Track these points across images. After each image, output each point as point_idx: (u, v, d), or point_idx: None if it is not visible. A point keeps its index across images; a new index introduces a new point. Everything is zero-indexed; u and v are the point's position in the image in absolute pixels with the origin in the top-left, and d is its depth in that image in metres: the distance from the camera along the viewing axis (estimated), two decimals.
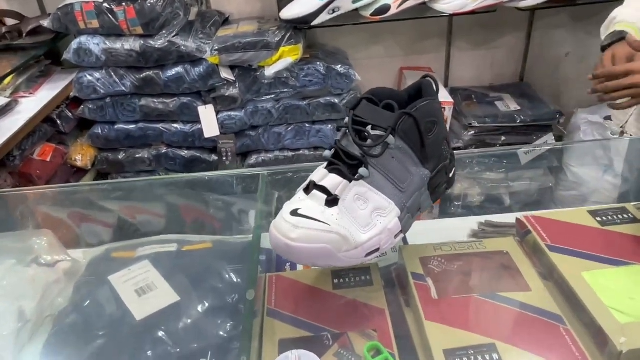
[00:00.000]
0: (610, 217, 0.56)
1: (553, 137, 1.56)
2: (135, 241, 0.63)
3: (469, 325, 0.46)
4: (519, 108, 1.58)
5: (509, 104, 1.61)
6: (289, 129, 1.54)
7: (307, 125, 1.54)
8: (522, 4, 1.33)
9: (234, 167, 1.59)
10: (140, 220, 0.83)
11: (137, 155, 1.58)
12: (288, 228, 0.47)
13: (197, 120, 1.51)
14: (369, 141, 0.51)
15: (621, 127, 1.51)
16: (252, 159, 1.58)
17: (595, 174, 1.59)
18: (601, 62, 0.89)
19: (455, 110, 1.50)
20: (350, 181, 0.51)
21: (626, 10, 0.97)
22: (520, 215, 0.59)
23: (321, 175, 0.52)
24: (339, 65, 1.45)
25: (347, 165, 0.52)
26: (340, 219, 0.49)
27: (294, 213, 0.48)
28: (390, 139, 0.50)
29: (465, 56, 1.68)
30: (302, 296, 0.55)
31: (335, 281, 0.57)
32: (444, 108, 1.46)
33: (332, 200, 0.50)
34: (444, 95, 1.49)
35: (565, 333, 0.45)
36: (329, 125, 1.54)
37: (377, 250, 0.51)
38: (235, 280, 0.55)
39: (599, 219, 0.57)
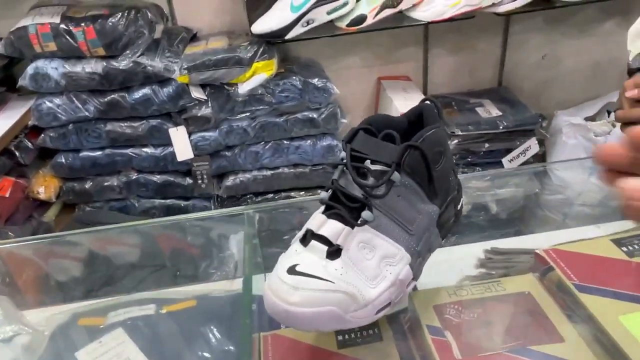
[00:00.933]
0: (636, 246, 0.52)
1: (536, 141, 1.53)
2: (107, 302, 0.55)
3: None
4: (500, 113, 1.55)
5: (490, 110, 1.57)
6: (267, 147, 1.47)
7: (285, 142, 1.47)
8: (500, 9, 1.30)
9: (211, 189, 1.51)
10: (113, 269, 0.74)
11: (106, 183, 1.48)
12: (286, 290, 0.41)
13: (169, 143, 1.42)
14: (371, 179, 0.45)
15: (609, 133, 1.50)
16: (229, 181, 1.51)
17: (581, 176, 1.57)
18: (623, 95, 0.72)
19: None
20: (353, 227, 0.45)
21: None
22: (538, 249, 0.54)
23: (319, 222, 0.45)
24: (316, 79, 1.39)
25: (347, 208, 0.46)
26: (345, 273, 0.43)
27: (292, 271, 0.42)
28: (396, 175, 0.44)
29: (442, 63, 1.65)
30: (303, 358, 0.48)
31: (340, 338, 0.50)
32: None
33: (335, 251, 0.44)
34: None
35: None
36: (308, 141, 1.48)
37: (389, 305, 0.45)
38: (226, 347, 0.48)
39: (624, 249, 0.52)
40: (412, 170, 0.46)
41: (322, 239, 0.44)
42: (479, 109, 1.58)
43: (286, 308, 0.40)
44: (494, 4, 1.28)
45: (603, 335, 0.44)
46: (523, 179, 1.60)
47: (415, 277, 0.47)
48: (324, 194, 0.47)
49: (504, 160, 1.54)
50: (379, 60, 1.61)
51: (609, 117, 1.63)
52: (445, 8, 1.26)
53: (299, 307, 0.40)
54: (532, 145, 1.53)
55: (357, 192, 0.45)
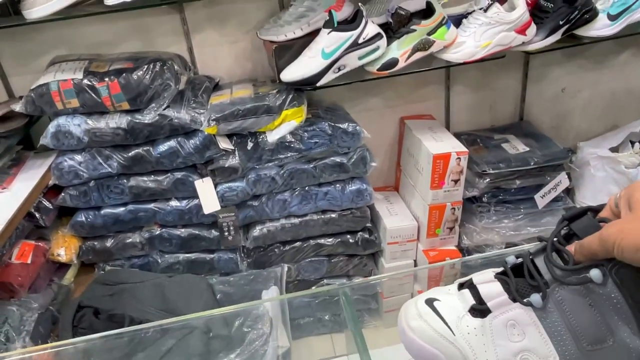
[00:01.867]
0: None
1: (566, 175, 1.51)
2: None
3: None
4: (527, 149, 1.53)
5: (517, 145, 1.56)
6: (295, 194, 1.42)
7: (314, 188, 1.43)
8: (530, 48, 1.29)
9: (238, 241, 1.45)
10: None
11: (128, 240, 1.41)
12: (412, 315, 0.43)
13: (194, 196, 1.37)
14: (566, 265, 0.40)
15: (639, 164, 1.48)
16: (256, 231, 1.45)
17: None
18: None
19: (468, 159, 1.43)
20: (515, 301, 0.41)
21: None
22: None
23: (485, 277, 0.42)
24: (346, 123, 1.36)
25: (523, 282, 0.41)
26: (474, 335, 0.39)
27: (429, 301, 0.43)
28: (596, 274, 0.38)
29: (463, 100, 1.63)
30: None
31: None
32: (459, 159, 1.39)
33: (480, 311, 0.41)
34: (455, 145, 1.42)
35: None
36: (337, 186, 1.43)
37: None
38: None
39: None
40: (627, 282, 0.38)
41: (476, 293, 0.42)
42: (504, 145, 1.57)
43: (403, 327, 0.43)
44: (524, 43, 1.27)
45: None
46: (555, 216, 1.57)
47: None
48: (511, 258, 0.43)
49: (536, 197, 1.51)
50: (401, 100, 1.60)
51: (632, 147, 1.62)
52: (476, 49, 1.25)
53: (412, 334, 0.42)
54: (562, 180, 1.51)
55: (545, 273, 0.40)
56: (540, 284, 0.39)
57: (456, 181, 1.42)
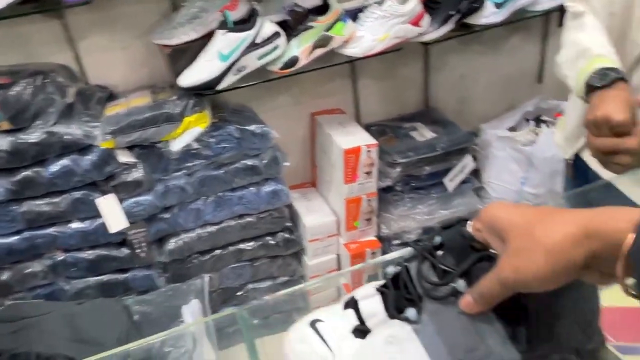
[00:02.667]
0: None
1: (471, 158, 1.59)
2: None
3: None
4: (434, 135, 1.58)
5: (424, 133, 1.61)
6: (208, 201, 1.37)
7: (227, 194, 1.38)
8: (424, 39, 1.33)
9: (151, 257, 1.38)
10: None
11: (27, 270, 1.30)
12: (296, 338, 0.43)
13: (97, 215, 1.28)
14: (436, 279, 0.40)
15: (534, 141, 1.58)
16: (171, 244, 1.38)
17: (515, 187, 1.65)
18: (593, 112, 0.68)
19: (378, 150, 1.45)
20: (392, 317, 0.40)
21: (594, 38, 0.80)
22: None
23: (367, 292, 0.42)
24: (253, 125, 1.33)
25: (401, 296, 0.41)
26: (355, 357, 0.39)
27: (313, 324, 0.43)
28: (461, 284, 0.39)
29: (371, 92, 1.66)
30: None
31: None
32: (370, 151, 1.41)
33: (361, 331, 0.41)
34: (365, 138, 1.44)
35: None
36: (252, 189, 1.40)
37: None
38: None
39: None
40: None
41: (358, 312, 0.42)
42: (413, 133, 1.61)
43: (287, 352, 0.43)
44: (419, 34, 1.31)
45: None
46: (465, 198, 1.65)
47: None
48: (391, 269, 0.42)
49: (445, 181, 1.57)
50: (309, 96, 1.59)
51: (529, 125, 1.73)
52: (374, 43, 1.26)
53: (295, 358, 0.42)
54: (468, 163, 1.58)
55: (417, 287, 0.40)
56: (414, 298, 0.39)
57: (369, 173, 1.44)
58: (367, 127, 1.63)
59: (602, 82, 0.70)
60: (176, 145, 1.25)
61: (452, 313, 0.38)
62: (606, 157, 0.67)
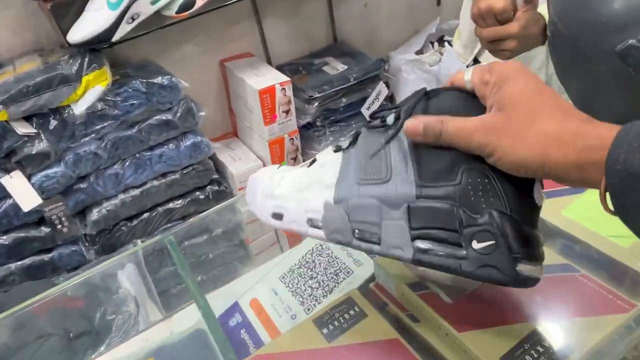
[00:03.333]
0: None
1: (384, 85, 1.62)
2: None
3: (501, 317, 0.41)
4: (346, 67, 1.60)
5: (336, 66, 1.62)
6: (126, 164, 1.32)
7: (146, 153, 1.33)
8: None
9: (75, 231, 1.32)
10: None
11: None
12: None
13: (6, 195, 1.19)
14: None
15: (439, 60, 1.64)
16: (94, 214, 1.32)
17: None
18: (477, 5, 0.71)
19: (293, 88, 1.45)
20: (334, 151, 0.45)
21: None
22: None
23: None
24: (159, 77, 1.27)
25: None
26: (289, 171, 0.47)
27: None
28: (390, 117, 0.40)
29: (278, 32, 1.63)
30: None
31: (325, 331, 0.47)
32: (284, 89, 1.40)
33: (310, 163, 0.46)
34: (278, 76, 1.42)
35: (585, 279, 0.43)
36: (170, 145, 1.36)
37: (281, 217, 0.44)
38: None
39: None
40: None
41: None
42: (325, 68, 1.62)
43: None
44: None
45: (556, 231, 0.47)
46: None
47: (325, 227, 0.41)
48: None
49: (363, 110, 1.61)
50: (216, 43, 1.53)
51: (432, 47, 1.79)
52: None
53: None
54: (381, 89, 1.62)
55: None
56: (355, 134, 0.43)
57: (287, 112, 1.44)
58: (279, 68, 1.62)
59: None
60: (79, 108, 1.17)
61: (375, 141, 0.41)
62: (494, 45, 0.72)
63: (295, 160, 1.54)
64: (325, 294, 0.55)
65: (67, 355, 1.12)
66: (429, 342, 0.44)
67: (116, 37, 1.13)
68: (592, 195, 0.50)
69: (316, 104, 1.50)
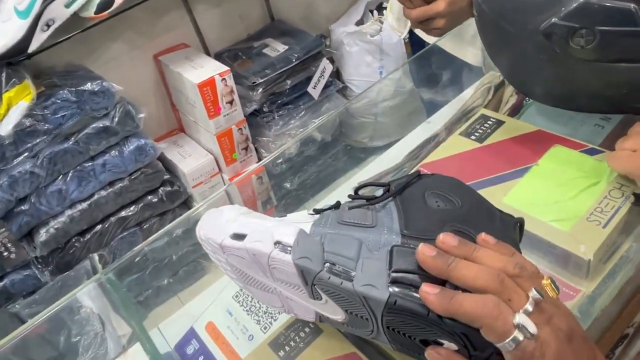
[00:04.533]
0: (480, 131, 0.56)
1: (327, 61, 1.59)
2: None
3: None
4: (287, 47, 1.55)
5: (276, 47, 1.57)
6: (68, 179, 1.25)
7: (87, 165, 1.27)
8: None
9: (24, 255, 1.25)
10: None
11: None
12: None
13: None
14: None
15: (380, 30, 1.61)
16: (42, 235, 1.26)
17: (375, 78, 1.70)
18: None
19: (235, 76, 1.40)
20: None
21: None
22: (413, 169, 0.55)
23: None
24: (89, 83, 1.20)
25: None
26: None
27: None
28: (379, 192, 0.41)
29: (211, 18, 1.55)
30: None
31: (281, 354, 0.46)
32: (224, 79, 1.35)
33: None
34: (216, 67, 1.37)
35: None
36: (113, 152, 1.30)
37: (242, 237, 0.39)
38: None
39: (474, 137, 0.56)
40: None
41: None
42: (265, 51, 1.56)
43: None
44: None
45: None
46: (331, 100, 1.67)
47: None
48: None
49: (309, 89, 1.57)
50: (146, 37, 1.45)
51: (372, 16, 1.76)
52: None
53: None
54: (325, 66, 1.59)
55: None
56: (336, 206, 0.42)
57: (231, 102, 1.39)
58: (218, 56, 1.56)
59: None
60: (4, 128, 1.09)
61: (348, 227, 0.38)
62: (424, 24, 0.70)
63: (246, 151, 1.50)
64: (280, 310, 0.53)
65: None
66: (387, 352, 0.44)
67: (33, 47, 1.05)
68: (531, 179, 0.50)
69: (260, 89, 1.46)
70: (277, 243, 0.37)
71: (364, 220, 0.38)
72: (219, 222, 0.41)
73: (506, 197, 0.48)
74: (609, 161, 0.46)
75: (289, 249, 0.36)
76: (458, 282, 0.32)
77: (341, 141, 1.76)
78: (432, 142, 0.70)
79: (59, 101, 1.17)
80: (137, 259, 0.75)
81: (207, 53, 1.56)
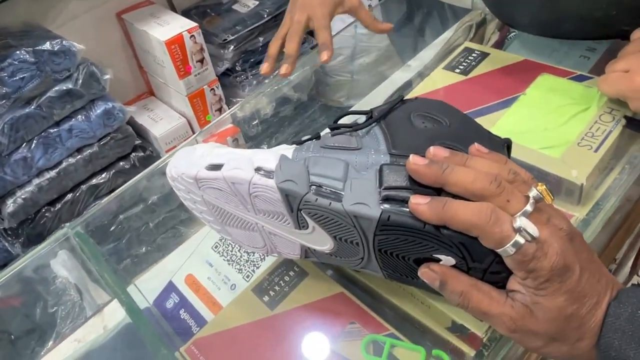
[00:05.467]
0: (464, 64, 0.54)
1: None
2: None
3: None
4: (257, 2, 1.49)
5: (246, 2, 1.50)
6: (33, 146, 1.19)
7: (52, 130, 1.21)
8: None
9: None
10: None
11: None
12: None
13: None
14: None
15: None
16: (9, 206, 1.21)
17: (350, 33, 1.65)
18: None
19: (204, 34, 1.33)
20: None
21: None
22: None
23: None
24: (47, 43, 1.12)
25: None
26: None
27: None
28: (361, 119, 0.39)
29: None
30: (244, 345, 0.41)
31: (266, 299, 0.43)
32: (193, 36, 1.28)
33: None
34: (184, 23, 1.30)
35: None
36: (79, 117, 1.23)
37: (219, 167, 0.36)
38: None
39: (458, 70, 0.53)
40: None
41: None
42: (235, 7, 1.50)
43: None
44: None
45: None
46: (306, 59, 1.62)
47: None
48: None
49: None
50: None
51: None
52: None
53: None
54: None
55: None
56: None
57: (201, 61, 1.33)
58: (185, 14, 1.48)
59: None
60: None
61: (333, 152, 0.36)
62: None
63: (220, 112, 1.45)
64: (262, 257, 0.51)
65: (12, 358, 1.05)
66: (375, 290, 0.42)
67: None
68: (519, 109, 0.48)
69: (232, 47, 1.40)
70: (258, 169, 0.34)
71: (348, 143, 0.35)
72: (192, 159, 0.38)
73: (494, 127, 0.46)
74: (600, 85, 0.44)
75: (272, 174, 0.34)
76: (454, 187, 0.30)
77: (317, 101, 1.72)
78: (414, 84, 0.68)
79: (16, 62, 1.09)
80: (113, 228, 0.72)
81: (174, 10, 1.48)
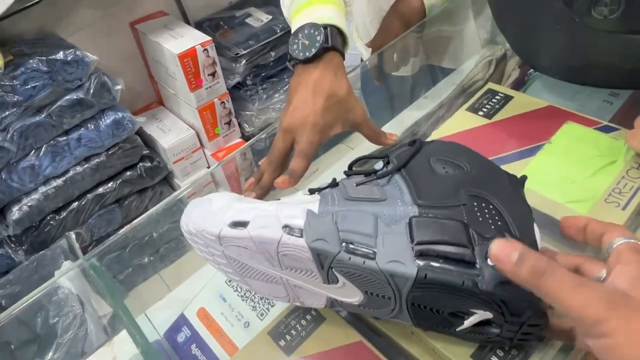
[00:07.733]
0: (488, 106, 0.53)
1: None
2: None
3: None
4: (270, 17, 1.49)
5: (260, 17, 1.50)
6: (42, 154, 1.19)
7: (61, 139, 1.20)
8: None
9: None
10: None
11: None
12: None
13: None
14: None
15: None
16: (14, 213, 1.20)
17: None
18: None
19: (216, 47, 1.33)
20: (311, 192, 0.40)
21: None
22: None
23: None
24: (61, 52, 1.12)
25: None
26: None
27: None
28: (379, 164, 0.38)
29: None
30: None
31: (282, 343, 0.43)
32: (206, 50, 1.28)
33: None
34: (197, 36, 1.30)
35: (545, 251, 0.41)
36: (89, 125, 1.23)
37: (244, 224, 0.35)
38: None
39: (481, 113, 0.53)
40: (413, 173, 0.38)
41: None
42: (249, 20, 1.50)
43: None
44: None
45: None
46: None
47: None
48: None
49: None
50: (121, 4, 1.37)
51: None
52: None
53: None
54: None
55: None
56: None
57: (213, 74, 1.33)
58: (198, 26, 1.49)
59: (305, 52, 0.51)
60: None
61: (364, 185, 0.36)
62: None
63: (229, 125, 1.45)
64: (284, 300, 0.50)
65: None
66: (394, 340, 0.41)
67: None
68: (544, 158, 0.47)
69: (244, 61, 1.40)
70: (285, 227, 0.33)
71: (372, 194, 0.35)
72: (210, 212, 0.37)
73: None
74: (629, 140, 0.44)
75: (301, 232, 0.33)
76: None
77: None
78: (432, 118, 0.67)
79: (28, 71, 1.09)
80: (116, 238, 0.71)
81: (187, 22, 1.48)
